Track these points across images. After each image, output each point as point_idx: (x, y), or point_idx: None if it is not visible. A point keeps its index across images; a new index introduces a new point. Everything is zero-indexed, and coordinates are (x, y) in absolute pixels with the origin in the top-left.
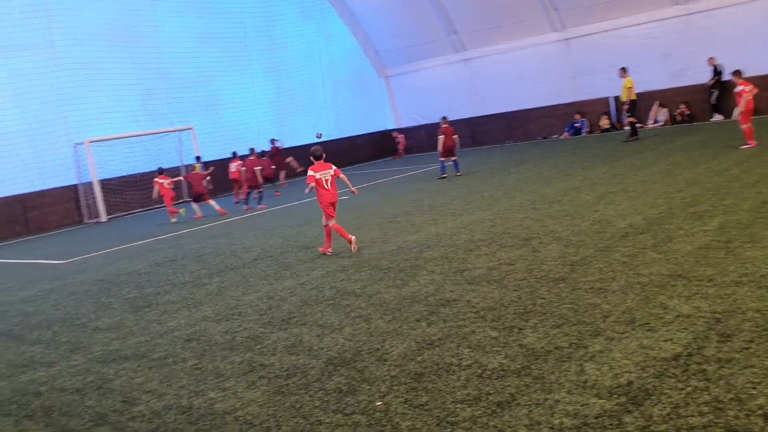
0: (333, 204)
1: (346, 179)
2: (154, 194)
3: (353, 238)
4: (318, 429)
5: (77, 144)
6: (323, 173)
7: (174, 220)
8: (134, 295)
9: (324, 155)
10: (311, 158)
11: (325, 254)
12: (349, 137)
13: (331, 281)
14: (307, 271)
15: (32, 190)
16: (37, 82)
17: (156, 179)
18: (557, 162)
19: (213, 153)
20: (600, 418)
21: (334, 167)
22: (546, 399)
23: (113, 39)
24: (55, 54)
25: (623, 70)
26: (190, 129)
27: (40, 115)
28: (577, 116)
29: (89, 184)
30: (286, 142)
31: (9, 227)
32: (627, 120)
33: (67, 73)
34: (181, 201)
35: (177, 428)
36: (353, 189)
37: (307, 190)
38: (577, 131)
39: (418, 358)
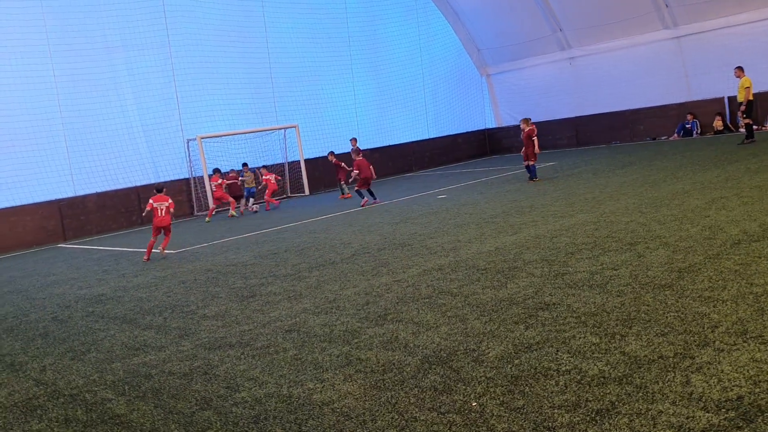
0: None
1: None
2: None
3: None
4: (413, 426)
5: (189, 140)
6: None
7: (208, 220)
8: (239, 285)
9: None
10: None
11: None
12: (448, 136)
13: (427, 279)
14: (403, 269)
15: (147, 182)
16: (154, 80)
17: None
18: (666, 164)
19: (315, 151)
20: None
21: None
22: (648, 409)
23: (225, 38)
24: (171, 53)
25: (739, 69)
26: (295, 127)
27: (155, 111)
28: (689, 117)
29: (200, 179)
30: (385, 141)
31: (126, 217)
32: (743, 121)
33: (182, 72)
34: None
35: (277, 416)
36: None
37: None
38: (688, 132)
39: (516, 361)
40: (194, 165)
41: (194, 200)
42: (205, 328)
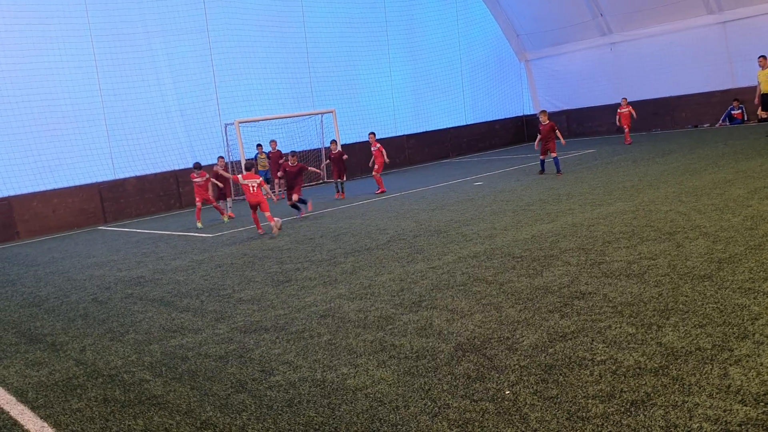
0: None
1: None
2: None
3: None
4: (445, 412)
5: (227, 124)
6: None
7: (200, 225)
8: (275, 270)
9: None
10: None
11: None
12: (485, 122)
13: (462, 267)
14: (438, 256)
15: (185, 166)
16: (193, 65)
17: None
18: (708, 152)
19: (351, 136)
20: (743, 426)
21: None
22: (684, 401)
23: (263, 24)
24: (209, 38)
25: (764, 58)
26: (332, 112)
27: (193, 96)
28: (735, 103)
29: (237, 162)
30: (422, 127)
31: (165, 201)
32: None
33: (220, 57)
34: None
35: (311, 400)
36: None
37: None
38: (735, 119)
39: (550, 350)
40: (231, 149)
41: (231, 184)
42: (241, 311)
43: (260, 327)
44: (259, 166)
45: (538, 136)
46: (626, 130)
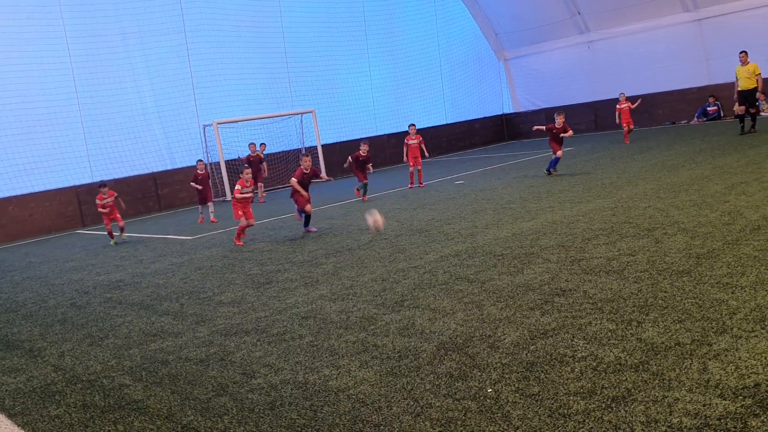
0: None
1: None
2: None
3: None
4: (428, 412)
5: (206, 125)
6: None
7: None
8: (255, 271)
9: None
10: None
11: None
12: (465, 121)
13: (444, 265)
14: (420, 255)
15: (164, 168)
16: (170, 66)
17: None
18: (685, 149)
19: (331, 136)
20: (723, 420)
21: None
22: (665, 396)
23: (241, 24)
24: (186, 39)
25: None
26: (311, 112)
27: (171, 97)
28: (711, 99)
29: (216, 164)
30: (402, 127)
31: (143, 203)
32: (764, 106)
33: (198, 57)
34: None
35: (292, 402)
36: None
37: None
38: (710, 116)
39: (531, 347)
40: (210, 151)
41: (211, 186)
42: (222, 314)
43: (241, 329)
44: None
45: (550, 135)
46: (625, 129)
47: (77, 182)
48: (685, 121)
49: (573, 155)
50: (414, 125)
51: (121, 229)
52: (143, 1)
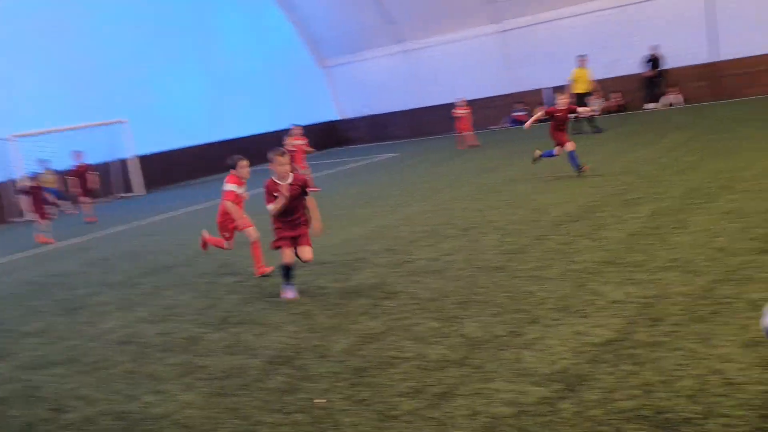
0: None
1: None
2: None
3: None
4: (258, 429)
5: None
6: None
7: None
8: (64, 296)
9: None
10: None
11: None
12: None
13: (271, 278)
14: (246, 268)
15: None
16: None
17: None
18: (499, 153)
19: (149, 147)
20: (537, 406)
21: None
22: (485, 388)
23: (42, 26)
24: None
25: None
26: (124, 122)
27: None
28: (518, 105)
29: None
30: (224, 135)
31: None
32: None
33: None
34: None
35: None
36: None
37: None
38: (518, 122)
39: (361, 353)
40: (7, 166)
41: (6, 204)
42: (26, 346)
43: (48, 362)
44: (47, 184)
45: (551, 123)
46: (464, 134)
47: None
48: (495, 127)
49: (397, 161)
50: (300, 126)
51: None
52: None
